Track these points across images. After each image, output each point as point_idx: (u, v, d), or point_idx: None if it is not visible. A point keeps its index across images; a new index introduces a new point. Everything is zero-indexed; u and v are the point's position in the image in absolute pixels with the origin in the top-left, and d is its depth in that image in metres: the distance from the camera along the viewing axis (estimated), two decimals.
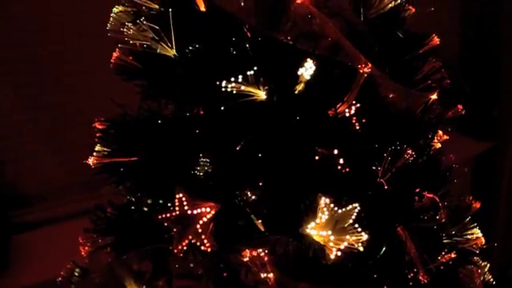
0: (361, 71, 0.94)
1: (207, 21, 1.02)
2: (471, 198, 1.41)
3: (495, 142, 2.62)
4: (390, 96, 1.05)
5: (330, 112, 0.98)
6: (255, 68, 0.91)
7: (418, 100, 1.11)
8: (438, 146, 1.28)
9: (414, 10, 1.24)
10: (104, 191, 1.16)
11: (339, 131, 0.96)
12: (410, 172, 1.14)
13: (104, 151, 1.17)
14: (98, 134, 1.22)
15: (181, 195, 0.89)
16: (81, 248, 1.26)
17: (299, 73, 0.90)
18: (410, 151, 1.10)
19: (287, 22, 0.89)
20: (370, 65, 0.94)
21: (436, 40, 1.20)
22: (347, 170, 0.93)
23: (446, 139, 1.32)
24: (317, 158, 0.92)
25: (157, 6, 1.10)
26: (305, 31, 0.89)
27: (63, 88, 2.12)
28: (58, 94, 2.12)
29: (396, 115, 1.09)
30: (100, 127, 1.22)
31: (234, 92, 0.88)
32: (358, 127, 0.95)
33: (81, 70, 2.09)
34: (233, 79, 0.88)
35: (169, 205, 1.09)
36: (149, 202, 1.17)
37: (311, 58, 0.89)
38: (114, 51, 1.21)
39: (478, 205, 1.40)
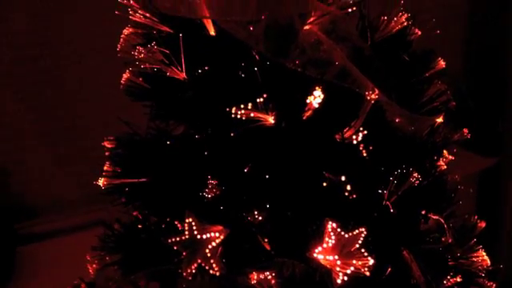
0: (368, 98, 0.95)
1: (217, 45, 1.04)
2: (476, 217, 1.42)
3: (500, 158, 2.62)
4: (397, 120, 1.06)
5: (336, 136, 1.00)
6: (264, 93, 0.92)
7: (424, 124, 1.12)
8: (444, 167, 1.29)
9: (419, 32, 1.25)
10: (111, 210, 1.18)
11: (346, 157, 0.97)
12: (415, 194, 1.15)
13: (113, 171, 1.19)
14: (106, 153, 1.24)
15: (190, 220, 0.91)
16: (88, 265, 1.27)
17: (308, 101, 0.91)
18: (415, 174, 1.11)
19: (296, 49, 0.90)
20: (376, 91, 0.95)
21: (442, 63, 1.22)
22: (354, 196, 0.94)
23: (452, 159, 1.33)
24: (324, 184, 0.93)
25: (167, 29, 1.12)
26: (313, 58, 0.91)
27: (74, 100, 2.14)
28: (68, 107, 2.14)
29: (402, 138, 1.10)
30: (109, 146, 1.24)
31: (243, 118, 0.90)
32: (365, 154, 0.96)
33: (93, 82, 2.11)
34: (242, 106, 0.90)
35: (176, 223, 1.10)
36: (156, 220, 1.19)
37: (319, 86, 0.90)
38: (125, 72, 1.24)
39: (483, 224, 1.41)
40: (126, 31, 1.19)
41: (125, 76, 1.16)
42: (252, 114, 0.90)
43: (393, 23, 1.18)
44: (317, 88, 0.90)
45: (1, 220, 2.07)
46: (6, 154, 2.10)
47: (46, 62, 2.07)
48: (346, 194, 0.93)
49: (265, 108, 0.91)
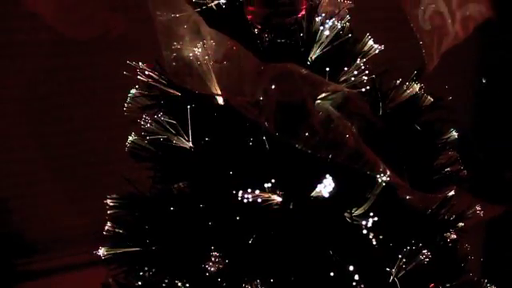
0: (379, 180, 0.93)
1: (225, 115, 1.01)
2: (486, 281, 1.38)
3: (509, 206, 2.57)
4: (407, 198, 1.03)
5: (345, 215, 0.97)
6: (272, 174, 0.90)
7: (434, 200, 1.09)
8: (454, 237, 1.26)
9: (431, 99, 1.23)
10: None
11: (354, 237, 0.94)
12: (424, 268, 1.12)
13: (114, 232, 1.16)
14: (108, 212, 1.21)
15: None
16: None
17: (318, 190, 0.89)
18: (425, 251, 1.08)
19: (307, 130, 0.87)
20: (388, 172, 0.93)
21: (454, 134, 1.19)
22: (362, 286, 0.90)
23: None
24: (332, 273, 0.90)
25: (177, 93, 1.10)
26: (324, 139, 0.88)
27: (83, 138, 2.12)
28: (77, 144, 2.13)
29: (412, 214, 1.07)
30: (111, 204, 1.21)
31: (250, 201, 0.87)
32: (374, 242, 0.93)
33: (103, 121, 2.09)
34: (249, 190, 0.87)
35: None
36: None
37: (329, 170, 0.88)
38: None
39: None
40: (133, 91, 1.18)
41: (130, 138, 1.14)
42: (259, 200, 0.87)
43: (405, 93, 1.16)
44: (327, 176, 0.88)
45: (0, 256, 2.05)
46: (7, 189, 2.09)
47: (56, 100, 2.07)
48: (354, 283, 0.90)
49: (272, 189, 0.89)
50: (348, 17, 1.06)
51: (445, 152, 1.22)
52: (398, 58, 1.28)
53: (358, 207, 0.95)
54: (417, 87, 1.18)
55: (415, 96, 1.17)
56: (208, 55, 0.90)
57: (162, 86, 1.13)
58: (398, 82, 1.20)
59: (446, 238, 1.21)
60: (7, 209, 2.12)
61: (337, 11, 1.10)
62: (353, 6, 1.12)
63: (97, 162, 2.17)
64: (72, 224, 2.20)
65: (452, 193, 1.15)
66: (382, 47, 1.03)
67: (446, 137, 1.18)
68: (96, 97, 2.08)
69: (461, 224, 1.27)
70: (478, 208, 1.16)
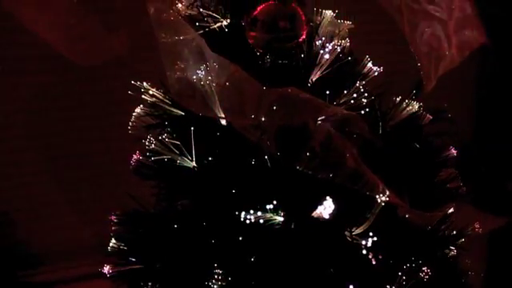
0: (378, 200, 0.94)
1: (228, 135, 1.03)
2: None
3: (511, 217, 2.57)
4: (407, 216, 1.05)
5: (345, 234, 0.98)
6: (274, 195, 0.92)
7: (434, 218, 1.11)
8: (454, 252, 1.27)
9: (430, 117, 1.25)
10: None
11: (355, 259, 0.96)
12: (424, 286, 1.13)
13: (119, 248, 1.18)
14: (112, 228, 1.23)
15: None
16: None
17: (318, 211, 0.90)
18: (425, 268, 1.09)
19: (307, 152, 0.89)
20: (387, 192, 0.94)
21: (453, 152, 1.21)
22: None
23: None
24: None
25: (180, 112, 1.12)
26: (324, 161, 0.90)
27: (87, 150, 2.14)
28: (82, 156, 2.14)
29: (412, 231, 1.08)
30: (115, 220, 1.23)
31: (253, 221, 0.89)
32: (373, 262, 0.95)
33: (106, 133, 2.11)
34: (252, 211, 0.89)
35: None
36: None
37: (330, 192, 0.89)
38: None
39: None
40: (137, 109, 1.20)
41: (135, 157, 1.16)
42: (261, 221, 0.89)
43: (404, 111, 1.18)
44: (327, 197, 0.89)
45: (4, 267, 2.07)
46: (11, 201, 2.11)
47: (60, 113, 2.09)
48: None
49: (274, 210, 0.91)
50: (348, 39, 1.08)
51: (444, 169, 1.24)
52: (399, 71, 1.31)
53: (358, 226, 0.97)
54: (416, 105, 1.20)
55: (414, 114, 1.20)
56: (211, 78, 0.92)
57: (166, 106, 1.15)
58: (398, 99, 1.22)
59: (446, 254, 1.23)
60: (11, 221, 2.13)
61: (337, 31, 1.12)
62: (353, 26, 1.15)
63: (101, 175, 2.19)
64: (76, 236, 2.21)
65: (451, 210, 1.17)
66: (381, 69, 1.05)
67: (445, 154, 1.20)
68: (102, 109, 2.11)
69: (461, 240, 1.29)
70: (477, 226, 1.18)
